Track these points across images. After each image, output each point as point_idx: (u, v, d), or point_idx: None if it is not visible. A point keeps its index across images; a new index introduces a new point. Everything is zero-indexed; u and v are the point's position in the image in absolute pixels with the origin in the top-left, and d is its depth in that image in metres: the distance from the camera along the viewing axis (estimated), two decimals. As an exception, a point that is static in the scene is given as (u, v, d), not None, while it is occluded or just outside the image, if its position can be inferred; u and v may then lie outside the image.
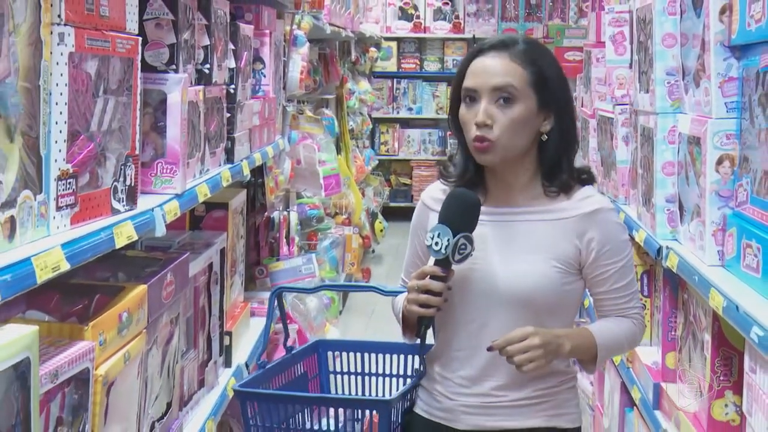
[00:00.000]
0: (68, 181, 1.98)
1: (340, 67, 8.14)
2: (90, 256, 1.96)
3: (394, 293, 2.62)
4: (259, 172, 4.31)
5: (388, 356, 2.76)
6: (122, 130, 2.25)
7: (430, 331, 2.48)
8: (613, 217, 2.46)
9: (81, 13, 2.00)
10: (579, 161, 2.60)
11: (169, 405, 2.56)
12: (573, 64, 6.54)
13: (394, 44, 12.05)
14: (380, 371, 2.77)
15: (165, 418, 2.52)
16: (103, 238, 2.03)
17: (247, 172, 3.59)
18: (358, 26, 8.61)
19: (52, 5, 1.89)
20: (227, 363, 3.40)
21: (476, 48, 2.46)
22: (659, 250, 2.97)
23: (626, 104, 3.88)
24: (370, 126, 10.56)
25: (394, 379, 2.75)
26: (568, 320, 2.49)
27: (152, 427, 2.42)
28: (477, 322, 2.43)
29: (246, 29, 3.65)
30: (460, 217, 2.35)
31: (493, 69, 2.38)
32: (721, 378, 2.68)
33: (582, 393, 4.97)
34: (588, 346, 2.41)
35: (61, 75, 1.93)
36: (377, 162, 11.00)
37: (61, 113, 1.94)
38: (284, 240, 4.87)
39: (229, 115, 3.37)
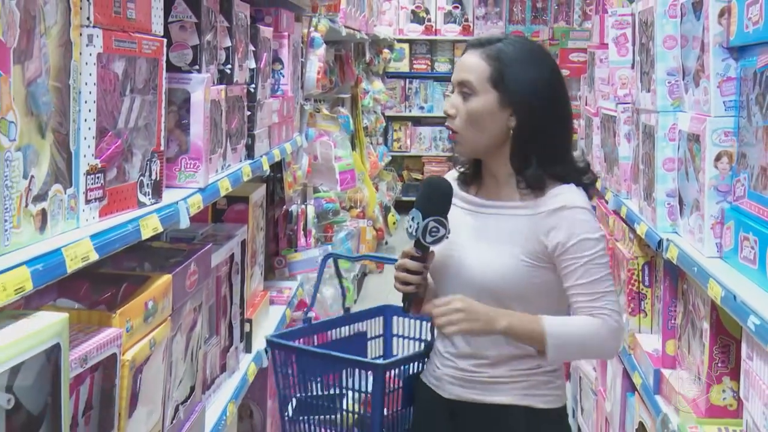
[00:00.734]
0: (97, 175, 1.98)
1: (355, 67, 8.13)
2: (117, 247, 1.96)
3: None
4: (278, 167, 4.31)
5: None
6: (148, 127, 2.25)
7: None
8: (578, 214, 2.41)
9: (109, 15, 2.00)
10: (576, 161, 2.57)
11: (192, 388, 2.56)
12: (577, 65, 6.53)
13: (406, 46, 12.05)
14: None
15: (188, 401, 2.53)
16: (130, 230, 2.03)
17: (266, 167, 3.58)
18: (372, 29, 8.60)
19: (81, 8, 1.89)
20: (247, 349, 3.40)
21: (466, 48, 2.56)
22: (660, 243, 2.96)
23: (628, 103, 3.87)
24: (384, 124, 10.57)
25: None
26: (547, 311, 2.44)
27: (176, 409, 2.42)
28: None
29: (266, 31, 3.65)
30: (430, 203, 2.42)
31: (463, 64, 2.47)
32: (719, 365, 2.67)
33: (585, 378, 4.96)
34: (533, 331, 2.39)
35: (90, 75, 1.93)
36: (390, 158, 11.01)
37: (90, 111, 1.94)
38: (302, 232, 4.87)
39: (249, 113, 3.37)
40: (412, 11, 11.93)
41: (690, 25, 2.89)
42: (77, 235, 1.82)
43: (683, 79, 2.97)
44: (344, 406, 2.72)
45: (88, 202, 1.94)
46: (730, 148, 2.56)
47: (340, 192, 6.23)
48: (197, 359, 2.60)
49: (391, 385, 2.65)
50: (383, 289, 7.39)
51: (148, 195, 2.26)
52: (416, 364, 2.71)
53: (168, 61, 2.55)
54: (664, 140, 3.05)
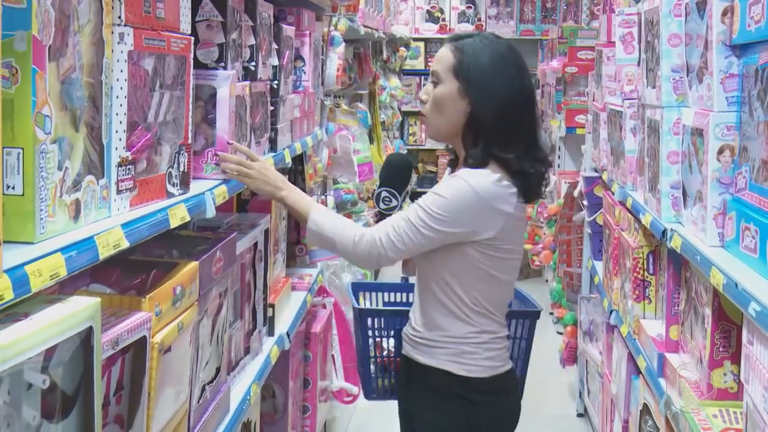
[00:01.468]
0: (127, 167, 1.98)
1: (373, 65, 8.12)
2: (147, 235, 1.96)
3: None
4: (299, 159, 4.31)
5: None
6: (176, 122, 2.25)
7: None
8: (454, 180, 2.52)
9: (139, 14, 2.00)
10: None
11: (218, 370, 2.57)
12: (585, 63, 6.50)
13: (421, 44, 12.01)
14: None
15: (214, 381, 2.53)
16: (159, 219, 2.04)
17: (288, 159, 3.58)
18: (389, 28, 8.58)
19: (113, 8, 1.89)
20: (270, 332, 3.40)
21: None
22: (664, 232, 2.95)
23: (634, 99, 3.85)
24: (400, 119, 10.54)
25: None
26: (469, 278, 2.57)
27: (203, 389, 2.43)
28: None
29: (288, 30, 3.64)
30: (387, 176, 2.74)
31: (436, 56, 2.62)
32: (720, 349, 2.66)
33: (591, 361, 4.96)
34: (303, 211, 2.66)
35: (121, 71, 1.93)
36: (406, 151, 10.99)
37: (121, 106, 1.94)
38: (322, 221, 4.86)
39: (272, 108, 3.37)
40: (428, 11, 11.89)
41: (694, 24, 2.87)
42: (109, 224, 1.83)
43: (687, 76, 2.96)
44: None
45: (119, 192, 1.95)
46: (732, 141, 2.54)
47: (359, 183, 6.22)
48: (222, 342, 2.60)
49: (379, 332, 2.90)
50: (398, 273, 7.38)
51: (177, 186, 2.26)
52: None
53: (195, 58, 2.55)
54: (669, 134, 3.04)
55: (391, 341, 2.87)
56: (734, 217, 2.44)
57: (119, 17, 1.92)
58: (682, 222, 2.95)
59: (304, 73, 4.07)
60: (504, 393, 2.69)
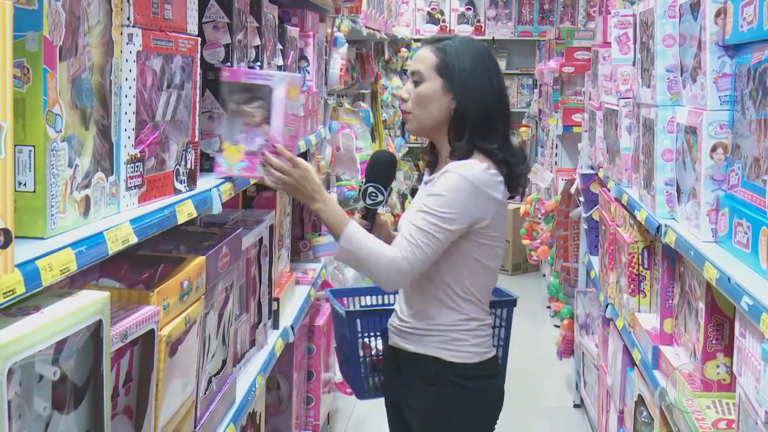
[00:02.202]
0: (136, 164, 1.98)
1: (375, 65, 8.11)
2: (155, 230, 1.96)
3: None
4: (303, 157, 4.30)
5: None
6: (183, 120, 2.25)
7: None
8: (450, 178, 2.53)
9: (147, 16, 2.00)
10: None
11: (224, 362, 2.57)
12: (582, 63, 6.48)
13: (422, 45, 11.99)
14: None
15: (220, 373, 2.53)
16: (167, 215, 2.03)
17: (293, 157, 3.58)
18: (391, 29, 8.57)
19: (122, 9, 1.88)
20: (275, 325, 3.40)
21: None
22: (658, 228, 2.94)
23: (629, 98, 3.85)
24: (401, 117, 10.53)
25: None
26: (462, 269, 2.60)
27: (209, 381, 2.43)
28: None
29: (292, 31, 3.64)
30: (372, 172, 2.71)
31: (416, 57, 2.68)
32: (714, 342, 2.66)
33: (588, 354, 4.95)
34: (338, 225, 2.54)
35: (130, 71, 1.93)
36: (407, 149, 10.97)
37: (129, 104, 1.94)
38: (325, 217, 4.86)
39: (277, 107, 3.37)
40: (428, 12, 11.88)
41: (688, 25, 2.87)
42: (118, 220, 1.83)
43: (681, 76, 2.95)
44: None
45: (128, 189, 1.95)
46: (725, 139, 2.54)
47: (361, 180, 6.22)
48: (228, 335, 2.60)
49: (368, 332, 2.86)
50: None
51: (184, 183, 2.26)
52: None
53: (202, 58, 2.54)
54: (663, 132, 3.04)
55: (379, 341, 2.87)
56: (727, 213, 2.43)
57: (128, 18, 1.92)
58: (676, 218, 2.94)
59: (308, 72, 4.07)
60: (490, 378, 2.72)
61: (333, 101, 5.43)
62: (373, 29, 6.93)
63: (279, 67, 3.38)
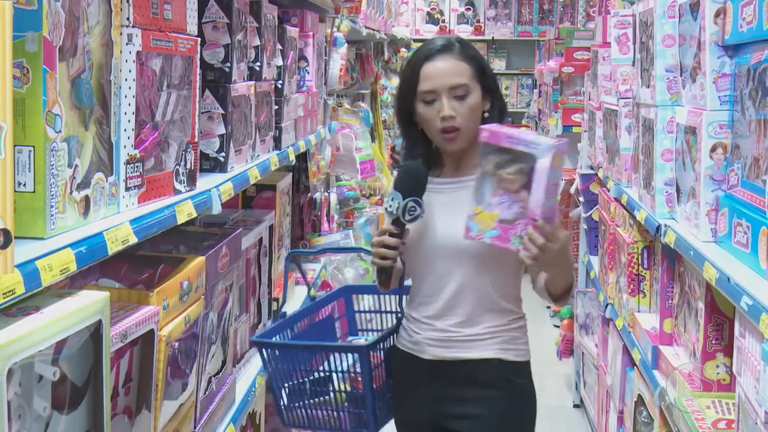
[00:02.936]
0: (136, 164, 1.98)
1: (375, 65, 8.11)
2: (155, 231, 1.96)
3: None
4: (303, 157, 4.31)
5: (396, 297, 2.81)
6: (183, 120, 2.25)
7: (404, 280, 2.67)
8: None
9: (147, 16, 2.00)
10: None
11: (224, 362, 2.57)
12: (581, 63, 6.48)
13: (422, 45, 12.00)
14: (394, 309, 2.87)
15: (220, 373, 2.53)
16: (167, 215, 2.04)
17: (292, 157, 3.59)
18: (391, 29, 8.57)
19: (121, 9, 1.88)
20: (275, 325, 3.40)
21: (423, 54, 2.56)
22: (658, 228, 2.94)
23: (629, 98, 3.85)
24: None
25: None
26: (513, 269, 2.55)
27: (209, 381, 2.43)
28: (437, 272, 2.55)
29: (292, 31, 3.64)
30: (409, 184, 2.48)
31: (447, 70, 2.50)
32: (713, 342, 2.66)
33: (587, 354, 4.95)
34: (570, 274, 2.50)
35: (130, 71, 1.93)
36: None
37: (129, 105, 1.94)
38: (325, 218, 4.87)
39: (277, 107, 3.37)
40: (428, 13, 11.89)
41: (687, 25, 2.87)
42: (118, 220, 1.83)
43: (681, 76, 2.95)
44: (334, 387, 2.69)
45: (127, 189, 1.95)
46: (724, 139, 2.54)
47: (361, 180, 6.21)
48: (228, 335, 2.60)
49: (375, 362, 2.65)
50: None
51: (183, 183, 2.26)
52: (393, 336, 2.71)
53: (201, 58, 2.55)
54: (663, 132, 3.04)
55: (382, 366, 2.69)
56: (726, 213, 2.43)
57: (127, 19, 1.92)
58: (675, 218, 2.94)
59: (308, 73, 4.07)
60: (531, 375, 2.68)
61: (333, 101, 5.43)
62: (373, 29, 6.93)
63: (279, 67, 3.38)
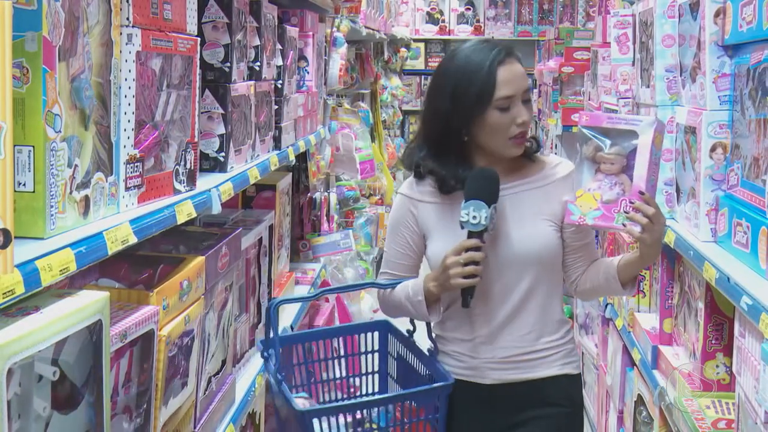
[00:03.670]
0: (135, 164, 1.98)
1: (374, 65, 8.11)
2: (155, 230, 1.96)
3: (391, 285, 2.54)
4: (303, 157, 4.30)
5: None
6: (183, 120, 2.24)
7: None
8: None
9: (147, 16, 2.00)
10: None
11: (224, 362, 2.57)
12: (581, 63, 6.48)
13: (422, 45, 12.01)
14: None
15: (220, 373, 2.53)
16: (166, 215, 2.03)
17: (292, 157, 3.58)
18: (391, 29, 8.57)
19: (121, 9, 1.88)
20: (275, 325, 3.40)
21: (489, 59, 2.36)
22: (658, 228, 2.94)
23: (629, 98, 3.85)
24: (401, 117, 10.53)
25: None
26: (560, 273, 2.51)
27: (209, 381, 2.43)
28: (494, 285, 2.41)
29: (292, 31, 3.64)
30: (489, 191, 2.33)
31: (520, 75, 2.40)
32: (713, 342, 2.66)
33: (587, 354, 4.95)
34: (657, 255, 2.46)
35: (129, 71, 1.93)
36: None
37: (129, 105, 1.93)
38: (325, 217, 4.87)
39: (276, 107, 3.37)
40: (428, 12, 11.89)
41: (687, 25, 2.87)
42: (117, 220, 1.82)
43: (681, 76, 2.95)
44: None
45: (127, 189, 1.94)
46: (724, 139, 2.54)
47: (361, 180, 6.21)
48: (228, 335, 2.60)
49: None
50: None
51: (183, 183, 2.26)
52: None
53: (201, 58, 2.54)
54: (663, 132, 3.04)
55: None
56: (726, 213, 2.43)
57: (127, 18, 1.92)
58: (675, 218, 2.94)
59: (308, 72, 4.07)
60: None
61: (332, 101, 5.43)
62: (373, 29, 6.93)
63: (279, 67, 3.38)
